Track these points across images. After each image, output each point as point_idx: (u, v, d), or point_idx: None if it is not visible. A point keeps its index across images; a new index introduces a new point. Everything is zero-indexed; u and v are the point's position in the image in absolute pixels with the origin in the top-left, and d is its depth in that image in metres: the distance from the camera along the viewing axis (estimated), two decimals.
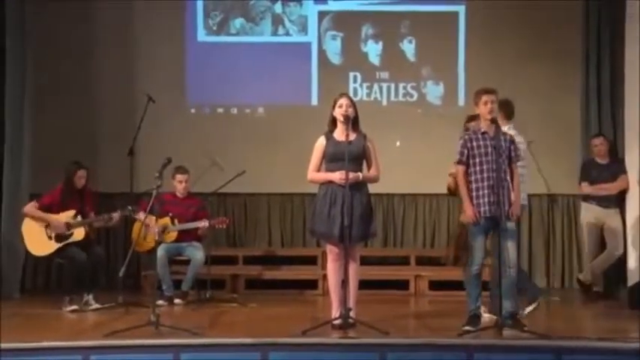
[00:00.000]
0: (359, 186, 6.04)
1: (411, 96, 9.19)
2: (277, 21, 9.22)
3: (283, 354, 5.26)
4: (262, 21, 9.23)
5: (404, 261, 8.86)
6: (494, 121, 5.96)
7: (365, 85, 9.17)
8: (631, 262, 7.89)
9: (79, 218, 7.27)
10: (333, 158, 6.05)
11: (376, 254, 8.89)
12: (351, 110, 6.07)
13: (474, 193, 5.98)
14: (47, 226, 7.21)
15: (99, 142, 8.99)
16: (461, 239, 6.40)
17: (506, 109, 6.68)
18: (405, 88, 9.18)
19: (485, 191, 5.92)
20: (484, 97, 6.01)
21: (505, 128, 6.38)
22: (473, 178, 6.01)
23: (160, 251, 7.49)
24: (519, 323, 5.91)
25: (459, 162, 6.06)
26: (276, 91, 9.11)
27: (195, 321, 6.45)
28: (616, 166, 8.10)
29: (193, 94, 9.19)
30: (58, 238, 7.20)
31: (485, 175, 5.94)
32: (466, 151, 6.03)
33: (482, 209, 5.93)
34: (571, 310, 6.57)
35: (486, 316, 6.35)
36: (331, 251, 6.13)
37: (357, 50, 9.21)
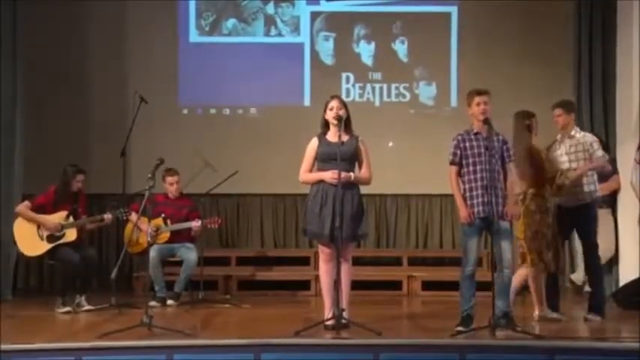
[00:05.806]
0: (350, 186, 6.03)
1: (404, 96, 9.19)
2: (270, 21, 9.21)
3: (276, 355, 5.26)
4: (255, 21, 9.22)
5: (397, 261, 8.88)
6: (487, 121, 5.97)
7: (357, 85, 9.17)
8: (622, 262, 7.91)
9: (71, 219, 7.25)
10: (325, 158, 6.05)
11: (369, 255, 8.90)
12: (342, 112, 6.05)
13: (468, 194, 5.99)
14: (39, 226, 7.20)
15: (91, 143, 8.96)
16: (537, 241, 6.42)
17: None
18: (397, 88, 9.18)
19: (479, 191, 5.93)
20: (477, 99, 6.02)
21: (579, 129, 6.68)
22: (466, 178, 6.02)
23: (153, 252, 7.47)
24: (512, 323, 5.92)
25: (452, 162, 6.07)
26: (269, 91, 9.09)
27: (188, 322, 6.46)
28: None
29: (186, 94, 9.17)
30: (50, 238, 7.18)
31: (478, 175, 5.95)
32: (459, 152, 6.04)
33: (476, 210, 5.94)
34: (563, 311, 6.59)
35: (555, 315, 6.54)
36: (323, 252, 6.13)
37: (350, 51, 9.21)
